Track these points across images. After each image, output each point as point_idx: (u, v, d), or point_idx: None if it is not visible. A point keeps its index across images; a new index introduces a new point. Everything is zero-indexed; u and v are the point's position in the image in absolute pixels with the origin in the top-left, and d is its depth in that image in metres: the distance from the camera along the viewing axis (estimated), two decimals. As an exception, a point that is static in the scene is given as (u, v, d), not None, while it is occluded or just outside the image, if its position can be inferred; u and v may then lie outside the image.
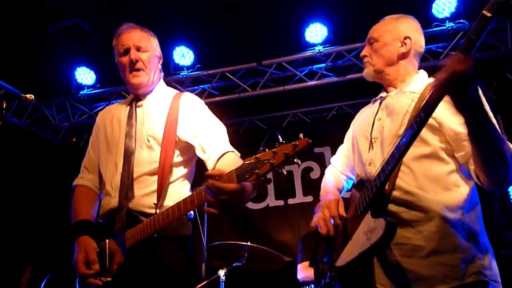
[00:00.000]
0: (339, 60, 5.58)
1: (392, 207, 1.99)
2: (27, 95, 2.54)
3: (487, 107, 1.77)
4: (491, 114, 1.81)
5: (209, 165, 2.26)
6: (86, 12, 4.84)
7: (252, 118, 6.78)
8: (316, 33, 5.27)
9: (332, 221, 2.19)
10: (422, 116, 1.74)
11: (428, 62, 5.09)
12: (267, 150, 1.73)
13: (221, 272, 4.23)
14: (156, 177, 2.27)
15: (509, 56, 5.26)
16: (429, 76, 2.31)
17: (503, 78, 5.73)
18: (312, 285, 4.56)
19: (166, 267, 2.19)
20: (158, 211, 2.18)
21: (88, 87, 6.01)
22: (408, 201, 1.98)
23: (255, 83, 5.91)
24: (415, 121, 1.77)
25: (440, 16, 4.94)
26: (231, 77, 5.80)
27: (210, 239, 5.38)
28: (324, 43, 5.32)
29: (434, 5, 4.91)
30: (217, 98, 5.93)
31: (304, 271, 4.87)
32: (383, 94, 2.35)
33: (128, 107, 2.52)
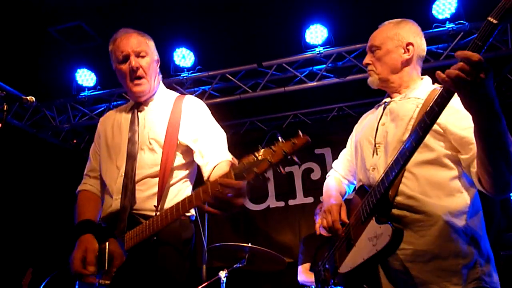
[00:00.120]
0: (340, 61, 5.58)
1: (395, 212, 1.98)
2: (28, 97, 2.54)
3: None
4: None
5: (205, 172, 2.28)
6: (87, 14, 4.84)
7: (252, 119, 6.78)
8: (316, 34, 5.27)
9: (334, 225, 2.20)
10: (427, 121, 1.74)
11: (429, 63, 5.09)
12: (265, 148, 1.73)
13: (222, 274, 4.23)
14: (157, 179, 2.27)
15: (510, 56, 5.26)
16: (432, 81, 2.31)
17: (503, 79, 5.72)
18: (313, 287, 4.56)
19: (168, 274, 2.18)
20: (158, 213, 2.18)
21: (89, 88, 6.01)
22: (411, 206, 1.97)
23: (255, 84, 5.91)
24: (420, 127, 1.77)
25: (440, 17, 4.94)
26: (232, 78, 5.80)
27: (210, 240, 5.38)
28: (325, 44, 5.32)
29: (434, 6, 4.91)
30: (218, 100, 5.94)
31: (304, 274, 4.88)
32: (387, 99, 2.34)
33: (130, 113, 2.52)
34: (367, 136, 2.30)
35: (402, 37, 2.27)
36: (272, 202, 6.42)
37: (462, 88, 1.55)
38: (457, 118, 1.94)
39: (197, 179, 2.52)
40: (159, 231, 2.11)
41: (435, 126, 1.90)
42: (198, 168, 2.47)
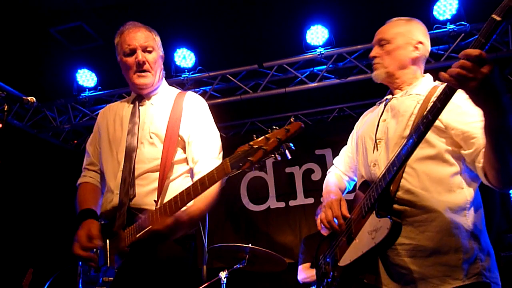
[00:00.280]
0: (340, 62, 5.59)
1: (396, 206, 2.00)
2: (29, 97, 2.54)
3: None
4: None
5: (194, 175, 2.31)
6: (88, 15, 4.85)
7: (253, 120, 6.79)
8: (317, 35, 5.27)
9: (335, 220, 2.20)
10: (429, 117, 1.74)
11: (430, 64, 5.09)
12: (260, 137, 1.74)
13: (222, 274, 4.23)
14: (157, 174, 2.27)
15: (510, 58, 5.26)
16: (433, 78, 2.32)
17: (504, 80, 5.73)
18: (314, 287, 4.56)
19: (171, 268, 2.19)
20: (157, 208, 2.18)
21: (90, 89, 6.01)
22: (412, 201, 1.99)
23: (256, 85, 5.92)
24: (422, 123, 1.77)
25: (441, 18, 4.94)
26: (232, 79, 5.81)
27: (211, 241, 5.39)
28: (325, 45, 5.32)
29: (435, 7, 4.91)
30: (219, 100, 5.94)
31: (304, 272, 4.87)
32: (388, 96, 2.36)
33: (131, 106, 2.52)
34: (368, 132, 2.31)
35: (413, 34, 2.28)
36: (272, 202, 6.41)
37: (465, 85, 1.55)
38: (458, 114, 1.95)
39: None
40: None
41: (437, 122, 1.91)
42: None
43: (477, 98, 1.62)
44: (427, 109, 1.77)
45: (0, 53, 5.09)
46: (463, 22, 4.89)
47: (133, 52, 2.40)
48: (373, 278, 2.04)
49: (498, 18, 1.51)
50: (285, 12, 5.03)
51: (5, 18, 4.69)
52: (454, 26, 4.91)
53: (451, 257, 1.89)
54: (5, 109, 2.43)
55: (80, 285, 2.26)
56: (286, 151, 1.75)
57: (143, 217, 2.10)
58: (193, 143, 2.35)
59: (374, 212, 1.97)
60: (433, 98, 2.06)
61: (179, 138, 2.36)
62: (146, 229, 2.03)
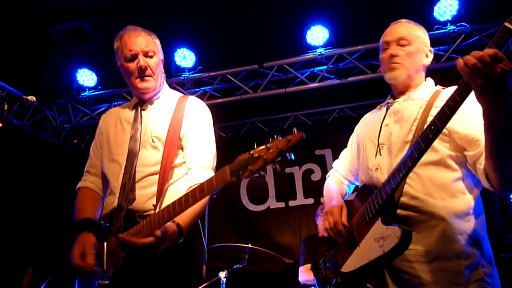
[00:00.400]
0: (341, 62, 5.58)
1: (399, 212, 1.99)
2: (29, 97, 2.54)
3: None
4: None
5: (187, 176, 2.31)
6: (88, 14, 4.85)
7: (253, 120, 6.78)
8: (317, 35, 5.27)
9: (336, 227, 2.20)
10: (438, 124, 1.74)
11: (430, 65, 5.07)
12: (261, 146, 1.74)
13: (222, 274, 4.23)
14: (157, 177, 2.27)
15: (510, 59, 5.24)
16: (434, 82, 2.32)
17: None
18: (314, 288, 4.57)
19: (170, 267, 2.18)
20: (156, 212, 2.17)
21: (90, 88, 6.01)
22: (416, 207, 1.98)
23: (256, 85, 5.92)
24: (430, 130, 1.76)
25: (441, 19, 4.93)
26: (233, 79, 5.81)
27: (211, 240, 5.37)
28: (326, 45, 5.31)
29: (435, 7, 4.90)
30: (219, 100, 5.94)
31: (305, 274, 4.87)
32: (390, 100, 2.34)
33: (133, 110, 2.52)
34: (370, 136, 2.30)
35: (426, 41, 2.29)
36: (272, 203, 6.41)
37: (478, 78, 1.55)
38: (462, 118, 1.94)
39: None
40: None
41: None
42: None
43: (483, 94, 1.61)
44: (436, 116, 1.75)
45: (0, 53, 5.09)
46: (463, 23, 4.88)
47: (134, 57, 2.39)
48: (376, 283, 2.03)
49: (511, 27, 1.51)
50: (286, 12, 5.03)
51: (5, 17, 4.69)
52: (455, 27, 4.90)
53: (454, 263, 1.89)
54: (5, 108, 2.43)
55: (77, 286, 2.25)
56: (287, 153, 1.74)
57: (142, 222, 2.10)
58: (189, 149, 2.36)
59: (379, 219, 1.96)
60: (437, 103, 2.07)
61: (180, 141, 2.36)
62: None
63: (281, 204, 6.38)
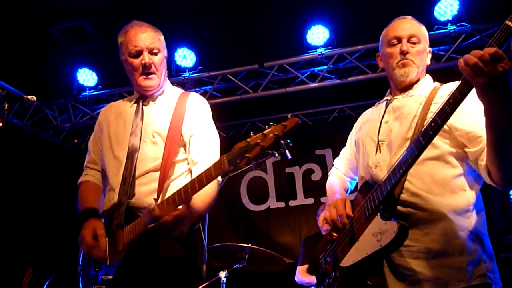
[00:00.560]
0: (341, 62, 5.58)
1: (400, 208, 1.99)
2: (29, 96, 2.54)
3: None
4: None
5: (193, 173, 2.29)
6: (88, 14, 4.85)
7: (253, 119, 6.79)
8: (318, 35, 5.27)
9: (339, 219, 2.20)
10: (438, 121, 1.73)
11: (430, 65, 5.05)
12: (257, 134, 1.74)
13: (222, 274, 4.23)
14: (158, 173, 2.27)
15: (510, 59, 5.24)
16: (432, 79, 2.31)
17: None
18: (313, 288, 4.58)
19: (171, 266, 2.19)
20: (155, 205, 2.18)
21: (90, 88, 6.01)
22: (416, 204, 1.98)
23: (256, 85, 5.92)
24: (430, 127, 1.76)
25: (442, 18, 4.93)
26: (233, 78, 5.81)
27: (211, 240, 5.39)
28: (326, 45, 5.32)
29: (436, 7, 4.90)
30: (219, 100, 5.94)
31: (300, 275, 4.91)
32: (389, 97, 2.35)
33: (135, 105, 2.52)
34: (370, 133, 2.30)
35: (428, 40, 2.29)
36: (272, 203, 6.41)
37: (479, 77, 1.55)
38: (463, 115, 1.94)
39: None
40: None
41: None
42: None
43: (484, 93, 1.61)
44: (436, 113, 1.75)
45: (1, 52, 5.09)
46: (464, 23, 4.88)
47: (139, 53, 2.39)
48: (376, 279, 2.04)
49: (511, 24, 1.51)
50: (286, 12, 5.03)
51: (6, 17, 4.69)
52: (455, 27, 4.90)
53: (456, 259, 1.89)
54: (6, 107, 2.43)
55: (80, 284, 2.26)
56: (286, 151, 1.74)
57: (145, 211, 2.11)
58: (193, 144, 2.36)
59: (378, 214, 1.96)
60: (437, 99, 2.07)
61: (181, 138, 2.36)
62: (149, 220, 2.04)
63: (281, 204, 6.38)
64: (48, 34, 5.06)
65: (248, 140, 1.76)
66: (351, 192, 2.62)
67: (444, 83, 2.23)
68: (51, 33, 5.06)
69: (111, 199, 2.30)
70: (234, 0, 4.81)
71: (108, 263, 2.16)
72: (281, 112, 6.62)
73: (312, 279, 4.68)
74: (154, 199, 2.19)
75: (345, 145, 2.69)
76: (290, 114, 1.72)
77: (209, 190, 2.16)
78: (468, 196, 2.00)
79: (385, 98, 2.37)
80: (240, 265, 4.33)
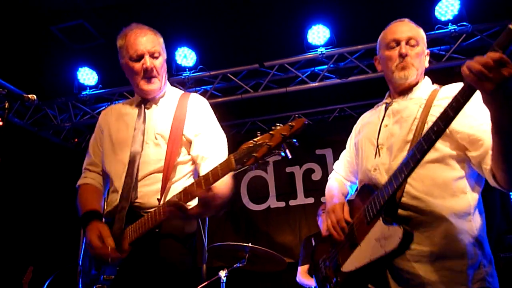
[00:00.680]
0: (341, 62, 5.58)
1: (401, 212, 1.98)
2: (29, 95, 2.53)
3: None
4: None
5: (202, 171, 2.29)
6: (89, 13, 4.85)
7: (254, 119, 6.79)
8: (318, 34, 5.27)
9: (339, 224, 2.20)
10: (440, 125, 1.73)
11: (431, 65, 5.04)
12: (264, 133, 1.76)
13: (222, 273, 4.23)
14: (161, 175, 2.27)
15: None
16: (432, 80, 2.31)
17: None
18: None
19: (172, 266, 2.19)
20: (160, 205, 2.18)
21: (90, 87, 6.01)
22: (417, 207, 1.97)
23: (257, 84, 5.92)
24: (433, 131, 1.75)
25: (443, 18, 4.93)
26: (233, 78, 5.80)
27: (211, 240, 5.39)
28: (327, 45, 5.31)
29: (437, 7, 4.90)
30: (219, 99, 5.94)
31: (302, 275, 4.91)
32: (388, 100, 2.33)
33: (136, 108, 2.51)
34: (369, 137, 2.29)
35: (425, 42, 2.27)
36: (272, 202, 6.42)
37: (483, 83, 1.54)
38: (464, 117, 1.91)
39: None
40: (162, 224, 2.13)
41: None
42: None
43: (490, 99, 1.61)
44: (438, 117, 1.74)
45: (1, 51, 5.09)
46: (464, 23, 4.88)
47: (140, 57, 2.37)
48: (376, 283, 2.03)
49: None
50: (286, 11, 5.02)
51: (6, 16, 4.69)
52: (456, 27, 4.90)
53: (457, 263, 1.89)
54: (6, 106, 2.43)
55: (80, 284, 2.26)
56: (287, 150, 1.75)
57: (147, 215, 2.13)
58: (200, 141, 2.35)
59: (380, 218, 1.95)
60: (436, 102, 2.06)
61: (184, 139, 2.36)
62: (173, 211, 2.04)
63: (282, 204, 6.39)
64: (48, 33, 5.06)
65: (255, 140, 1.78)
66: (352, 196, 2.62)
67: (445, 83, 2.22)
68: (52, 32, 5.06)
69: (114, 200, 2.30)
70: (234, 0, 4.81)
71: (110, 262, 2.16)
72: (282, 112, 6.63)
73: (313, 281, 4.68)
74: (158, 199, 2.20)
75: (345, 145, 2.68)
76: (296, 114, 1.73)
77: (227, 181, 2.17)
78: (468, 199, 1.99)
79: (384, 101, 2.36)
80: (240, 265, 4.33)
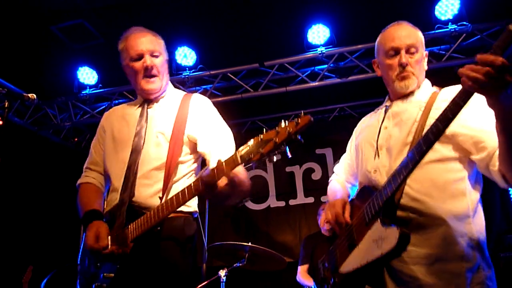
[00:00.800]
0: (341, 61, 5.58)
1: (399, 213, 1.97)
2: (29, 95, 2.53)
3: None
4: None
5: (210, 163, 2.29)
6: (89, 12, 4.84)
7: (254, 119, 6.79)
8: (318, 34, 5.26)
9: (338, 219, 2.20)
10: (440, 127, 1.73)
11: (431, 64, 5.07)
12: (270, 130, 1.76)
13: (222, 273, 4.24)
14: (163, 173, 2.29)
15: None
16: (431, 80, 2.30)
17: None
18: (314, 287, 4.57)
19: (172, 266, 2.20)
20: (162, 202, 2.19)
21: (90, 86, 6.01)
22: (416, 209, 1.96)
23: (257, 83, 5.91)
24: (432, 132, 1.75)
25: (442, 18, 4.92)
26: (233, 77, 5.80)
27: (211, 239, 5.39)
28: (327, 44, 5.31)
29: (437, 7, 4.89)
30: (219, 99, 5.93)
31: (301, 275, 4.92)
32: (388, 103, 2.33)
33: (139, 109, 2.53)
34: (369, 139, 2.29)
35: (424, 45, 2.25)
36: (272, 202, 6.42)
37: (485, 89, 1.54)
38: (464, 120, 1.92)
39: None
40: (163, 225, 2.15)
41: None
42: (202, 162, 2.49)
43: (494, 101, 1.60)
44: (437, 118, 1.74)
45: (1, 51, 5.09)
46: (464, 22, 4.87)
47: (140, 57, 2.41)
48: (374, 284, 2.03)
49: None
50: (286, 11, 5.02)
51: (6, 15, 4.69)
52: (456, 26, 4.89)
53: (455, 265, 1.88)
54: (6, 106, 2.43)
55: (78, 283, 2.27)
56: (287, 147, 1.75)
57: (149, 213, 2.14)
58: (206, 137, 2.36)
59: (379, 220, 1.95)
60: (436, 104, 2.06)
61: (186, 139, 2.37)
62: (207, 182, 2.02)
63: (282, 203, 6.39)
64: (48, 32, 5.06)
65: (261, 136, 1.78)
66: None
67: (445, 82, 2.21)
68: (52, 31, 5.06)
69: (114, 199, 2.32)
70: (234, 0, 4.81)
71: (111, 257, 2.17)
72: (282, 111, 6.62)
73: (312, 282, 4.69)
74: (159, 197, 2.21)
75: (345, 145, 2.68)
76: (302, 112, 1.73)
77: (244, 171, 2.17)
78: (468, 201, 1.97)
79: (384, 104, 2.36)
80: (240, 264, 4.34)
